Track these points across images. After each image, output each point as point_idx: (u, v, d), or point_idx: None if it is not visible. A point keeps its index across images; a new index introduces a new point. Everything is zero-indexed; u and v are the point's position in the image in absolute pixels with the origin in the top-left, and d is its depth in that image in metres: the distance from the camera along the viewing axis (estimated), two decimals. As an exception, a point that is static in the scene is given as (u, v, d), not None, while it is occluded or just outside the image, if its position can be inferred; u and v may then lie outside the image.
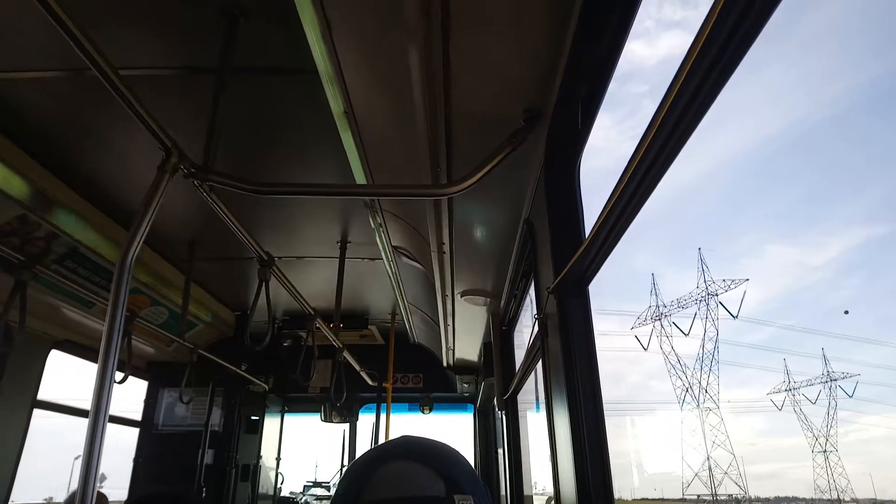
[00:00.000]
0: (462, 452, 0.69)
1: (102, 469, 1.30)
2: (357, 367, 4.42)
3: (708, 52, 0.76)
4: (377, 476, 0.60)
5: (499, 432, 4.97)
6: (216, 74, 2.08)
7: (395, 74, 1.55)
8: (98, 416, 1.30)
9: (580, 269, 1.43)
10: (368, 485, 0.60)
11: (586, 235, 1.31)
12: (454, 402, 5.73)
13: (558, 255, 1.57)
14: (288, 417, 6.02)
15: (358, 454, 0.68)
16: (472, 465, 0.66)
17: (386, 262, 3.15)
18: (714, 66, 0.79)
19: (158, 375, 4.92)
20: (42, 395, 3.51)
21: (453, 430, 5.96)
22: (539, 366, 1.87)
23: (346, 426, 5.86)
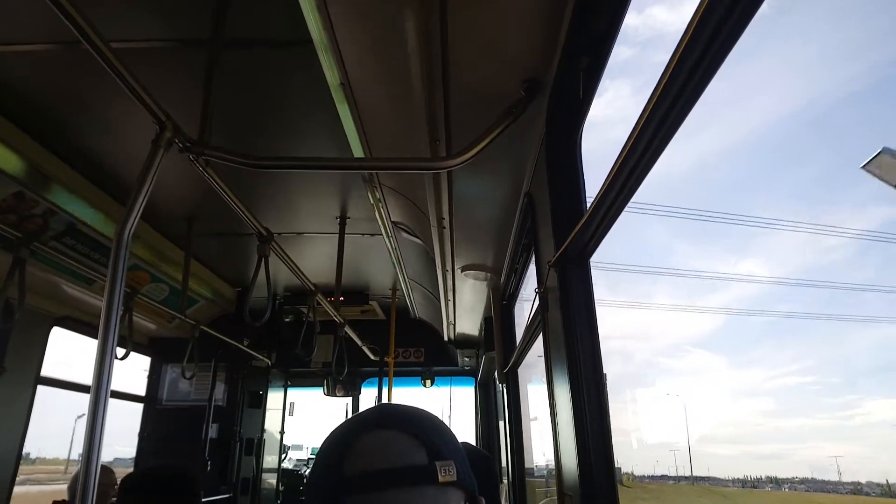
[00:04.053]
0: (440, 418, 0.67)
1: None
2: (359, 342, 4.44)
3: (714, 13, 0.74)
4: (356, 448, 0.57)
5: (500, 405, 5.02)
6: (211, 47, 2.04)
7: (392, 44, 1.51)
8: (99, 391, 1.30)
9: (581, 241, 1.42)
10: (348, 457, 0.57)
11: (588, 207, 1.30)
12: (455, 375, 5.79)
13: (559, 228, 1.56)
14: (291, 391, 6.08)
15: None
16: (452, 432, 0.65)
17: (385, 238, 3.13)
18: (719, 31, 0.76)
19: (161, 351, 4.96)
20: (47, 371, 3.54)
21: (455, 403, 6.02)
22: (540, 339, 1.87)
23: (349, 400, 5.92)
